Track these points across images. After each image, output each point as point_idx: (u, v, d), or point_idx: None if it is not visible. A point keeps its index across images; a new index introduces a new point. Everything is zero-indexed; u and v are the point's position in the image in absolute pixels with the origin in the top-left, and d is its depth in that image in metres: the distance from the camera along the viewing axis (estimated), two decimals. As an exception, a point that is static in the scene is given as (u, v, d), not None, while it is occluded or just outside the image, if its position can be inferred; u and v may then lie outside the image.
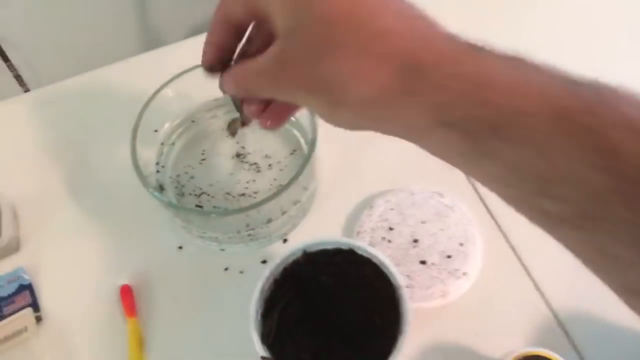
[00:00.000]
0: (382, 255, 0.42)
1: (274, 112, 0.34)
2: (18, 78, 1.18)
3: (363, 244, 0.43)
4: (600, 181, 0.20)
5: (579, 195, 0.21)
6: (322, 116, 0.29)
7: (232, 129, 0.51)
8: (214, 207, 0.50)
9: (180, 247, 0.52)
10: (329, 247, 0.43)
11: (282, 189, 0.44)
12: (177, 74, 0.50)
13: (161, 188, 0.51)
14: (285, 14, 0.27)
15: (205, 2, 1.55)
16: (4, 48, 1.15)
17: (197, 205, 0.50)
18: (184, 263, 0.51)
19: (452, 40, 0.25)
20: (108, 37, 1.42)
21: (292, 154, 0.53)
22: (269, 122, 0.35)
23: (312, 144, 0.46)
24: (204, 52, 0.34)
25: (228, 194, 0.51)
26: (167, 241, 0.52)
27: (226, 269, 0.51)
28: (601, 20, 0.66)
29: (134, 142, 0.46)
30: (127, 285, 0.50)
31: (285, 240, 0.51)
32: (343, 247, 0.43)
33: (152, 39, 1.51)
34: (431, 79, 0.24)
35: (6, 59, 1.14)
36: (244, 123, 0.43)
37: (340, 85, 0.26)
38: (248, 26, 0.32)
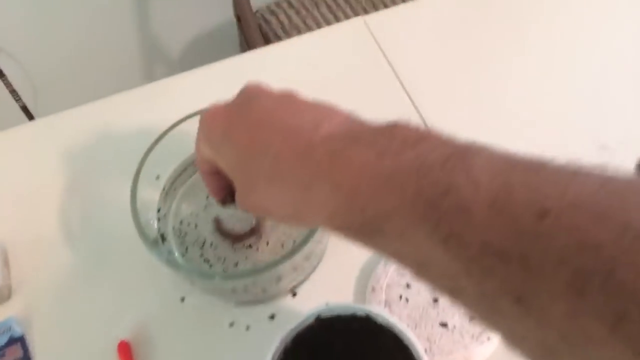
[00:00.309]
0: (401, 324, 0.39)
1: None
2: (13, 93, 1.15)
3: (381, 311, 0.40)
4: (454, 265, 0.23)
5: (442, 275, 0.24)
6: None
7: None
8: (219, 258, 0.47)
9: (183, 299, 0.49)
10: (345, 312, 0.40)
11: (296, 248, 0.41)
12: (177, 121, 0.47)
13: (163, 238, 0.48)
14: (224, 167, 0.34)
15: (211, 34, 1.52)
16: None
17: (200, 256, 0.47)
18: (187, 317, 0.48)
19: (329, 142, 0.29)
20: (112, 65, 1.40)
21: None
22: None
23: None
24: (212, 194, 0.41)
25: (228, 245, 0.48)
26: (168, 292, 0.49)
27: (231, 325, 0.47)
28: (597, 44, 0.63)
29: (134, 193, 0.43)
30: (124, 341, 0.47)
31: (294, 294, 0.48)
32: (359, 313, 0.40)
33: (157, 67, 1.49)
34: (316, 194, 0.28)
35: (1, 75, 1.11)
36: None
37: (268, 209, 0.32)
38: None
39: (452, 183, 0.23)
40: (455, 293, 0.24)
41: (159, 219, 0.48)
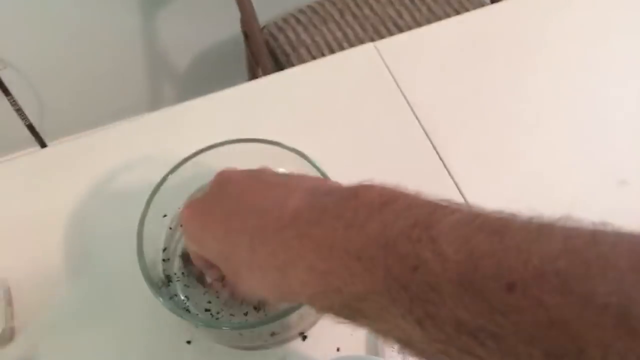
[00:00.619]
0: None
1: None
2: (19, 112, 1.14)
3: (395, 364, 0.38)
4: (433, 345, 0.22)
5: (425, 352, 0.24)
6: None
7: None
8: (226, 300, 0.45)
9: (189, 342, 0.48)
10: (358, 364, 0.39)
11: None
12: (184, 159, 0.46)
13: (168, 279, 0.46)
14: (211, 259, 0.35)
15: (218, 49, 1.52)
16: (5, 82, 1.11)
17: (208, 302, 0.46)
18: (193, 360, 0.47)
19: (296, 221, 0.29)
20: (119, 81, 1.39)
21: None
22: None
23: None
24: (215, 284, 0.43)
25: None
26: (174, 334, 0.48)
27: (239, 369, 0.46)
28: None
29: (140, 236, 0.42)
30: (130, 386, 0.45)
31: (304, 338, 0.47)
32: (373, 365, 0.39)
33: (165, 83, 1.48)
34: (294, 278, 0.28)
35: (7, 93, 1.11)
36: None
37: (258, 294, 0.33)
38: None
39: (420, 258, 0.23)
40: None
41: (164, 260, 0.47)
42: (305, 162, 0.45)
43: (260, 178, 0.34)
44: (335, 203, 0.28)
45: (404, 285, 0.23)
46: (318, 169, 0.44)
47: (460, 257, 0.22)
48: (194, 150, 0.47)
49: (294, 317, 0.40)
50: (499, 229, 0.23)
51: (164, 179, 0.46)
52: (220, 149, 0.48)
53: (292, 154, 0.46)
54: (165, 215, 0.48)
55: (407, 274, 0.23)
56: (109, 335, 0.48)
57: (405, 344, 0.25)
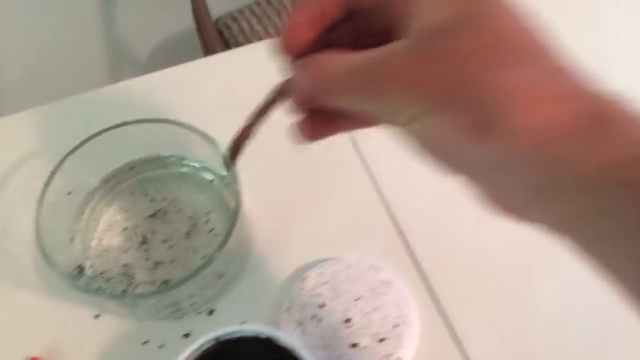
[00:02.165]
0: (301, 345, 0.38)
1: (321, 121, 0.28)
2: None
3: (283, 333, 0.39)
4: None
5: None
6: (435, 142, 0.23)
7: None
8: (139, 281, 0.46)
9: (97, 316, 0.48)
10: (247, 334, 0.40)
11: (200, 268, 0.40)
12: (82, 141, 0.46)
13: (80, 268, 0.47)
14: (443, 9, 0.22)
15: (174, 40, 1.50)
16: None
17: (122, 274, 0.46)
18: (100, 334, 0.47)
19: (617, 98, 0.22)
20: (77, 69, 1.38)
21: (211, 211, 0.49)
22: (308, 133, 0.29)
23: (235, 213, 0.43)
24: (287, 28, 0.27)
25: (151, 261, 0.47)
26: (83, 308, 0.48)
27: (145, 343, 0.47)
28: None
29: (38, 217, 0.42)
30: (35, 359, 0.46)
31: (211, 312, 0.48)
32: (261, 335, 0.40)
33: (124, 71, 1.47)
34: (625, 133, 0.20)
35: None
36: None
37: (501, 103, 0.20)
38: (364, 10, 0.26)
39: None
40: None
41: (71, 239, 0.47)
42: (212, 148, 0.45)
43: None
44: None
45: None
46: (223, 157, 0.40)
47: None
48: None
49: (184, 288, 0.41)
50: None
51: (61, 162, 0.46)
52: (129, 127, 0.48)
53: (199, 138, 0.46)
54: (70, 193, 0.48)
55: None
56: (15, 309, 0.48)
57: None
